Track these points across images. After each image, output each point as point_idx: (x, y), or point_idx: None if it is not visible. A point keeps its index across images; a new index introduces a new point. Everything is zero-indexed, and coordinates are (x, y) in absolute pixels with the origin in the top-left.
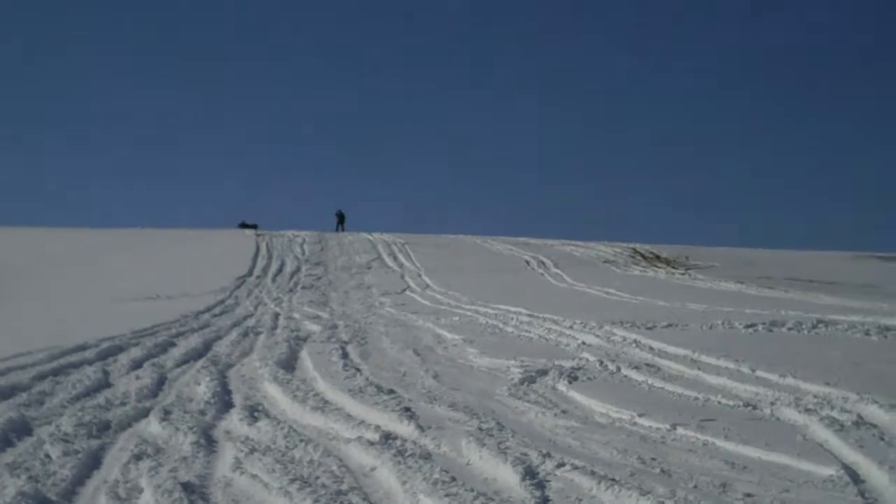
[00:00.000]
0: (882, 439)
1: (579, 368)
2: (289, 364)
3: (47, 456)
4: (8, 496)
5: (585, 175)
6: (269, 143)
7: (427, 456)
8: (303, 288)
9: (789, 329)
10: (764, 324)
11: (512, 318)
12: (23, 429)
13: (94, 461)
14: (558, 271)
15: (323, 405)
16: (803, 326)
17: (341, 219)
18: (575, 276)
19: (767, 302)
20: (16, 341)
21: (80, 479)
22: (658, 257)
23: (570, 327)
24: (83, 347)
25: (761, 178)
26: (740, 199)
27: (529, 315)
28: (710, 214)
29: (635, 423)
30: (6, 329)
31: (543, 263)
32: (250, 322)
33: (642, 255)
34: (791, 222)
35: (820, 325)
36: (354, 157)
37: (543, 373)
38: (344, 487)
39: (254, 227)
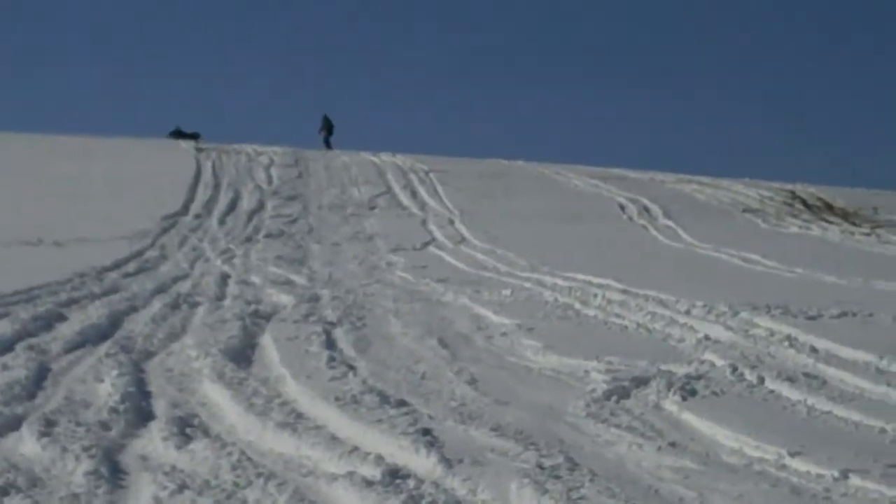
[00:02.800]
0: None
1: (699, 377)
2: (242, 355)
3: None
4: None
5: (711, 72)
6: (226, 14)
7: None
8: (267, 236)
9: None
10: None
11: (595, 296)
12: None
13: None
14: (670, 223)
15: (294, 421)
16: None
17: (329, 129)
18: (697, 231)
19: None
20: None
21: None
22: (830, 207)
23: (687, 312)
24: None
25: None
26: None
27: (623, 291)
28: None
29: (785, 467)
30: None
31: (647, 210)
32: (183, 287)
33: (805, 203)
34: None
35: None
36: (350, 35)
37: (643, 382)
38: None
39: (193, 137)
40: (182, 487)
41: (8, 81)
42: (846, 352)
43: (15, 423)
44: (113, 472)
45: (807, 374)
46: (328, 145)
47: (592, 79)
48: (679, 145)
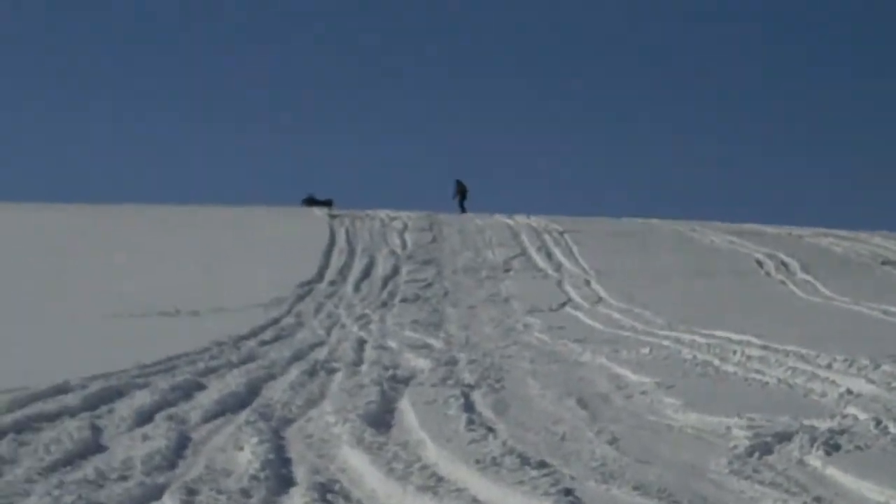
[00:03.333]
0: None
1: (843, 432)
2: (381, 420)
3: None
4: None
5: (842, 124)
6: (347, 82)
7: None
8: (403, 300)
9: None
10: None
11: (735, 352)
12: None
13: None
14: (808, 278)
15: (435, 484)
16: None
17: (462, 193)
18: (836, 285)
19: None
20: None
21: None
22: None
23: (828, 367)
24: (63, 389)
25: None
26: None
27: (763, 347)
28: None
29: None
30: None
31: (785, 265)
32: (320, 353)
33: None
34: None
35: None
36: (483, 101)
37: (785, 438)
38: None
39: (326, 204)
40: None
41: (141, 151)
42: None
43: (157, 493)
44: None
45: None
46: (463, 209)
47: (726, 135)
48: (815, 199)
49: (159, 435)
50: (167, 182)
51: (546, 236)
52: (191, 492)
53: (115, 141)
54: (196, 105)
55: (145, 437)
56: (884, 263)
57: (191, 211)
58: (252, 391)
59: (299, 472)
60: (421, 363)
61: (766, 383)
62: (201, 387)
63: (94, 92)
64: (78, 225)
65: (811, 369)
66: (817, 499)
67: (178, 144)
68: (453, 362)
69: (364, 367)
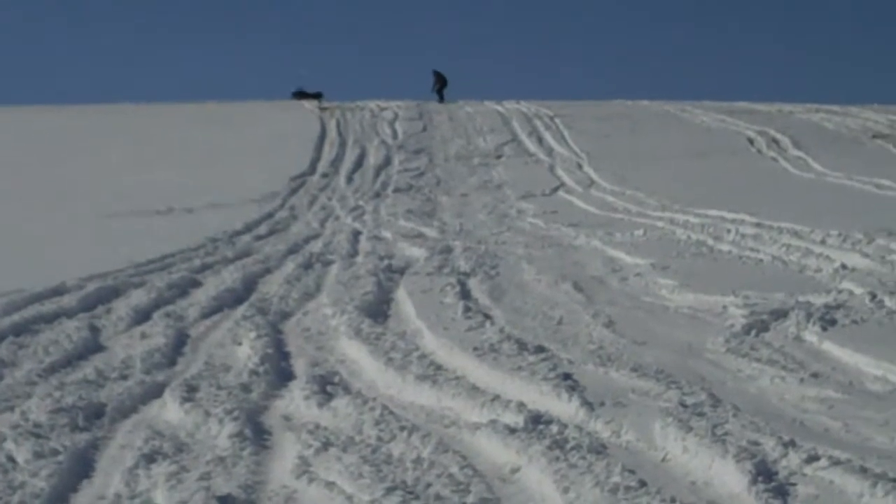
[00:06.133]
0: None
1: (838, 307)
2: (378, 310)
3: (10, 459)
4: None
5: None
6: None
7: (601, 449)
8: (396, 190)
9: None
10: None
11: (729, 231)
12: None
13: (81, 467)
14: (800, 154)
15: (434, 373)
16: None
17: (442, 83)
18: (828, 160)
19: None
20: None
21: (62, 494)
22: None
23: (822, 242)
24: (60, 290)
25: None
26: None
27: (756, 225)
28: None
29: None
30: None
31: (776, 142)
32: (315, 246)
33: None
34: None
35: None
36: None
37: (781, 314)
38: (470, 501)
39: (316, 96)
40: (326, 445)
41: (130, 51)
42: None
43: (157, 391)
44: (257, 433)
45: None
46: (441, 99)
47: (711, 14)
48: (806, 74)
49: (157, 333)
50: (158, 80)
51: (536, 121)
52: (191, 388)
53: (104, 41)
54: (182, 2)
55: (143, 336)
56: (875, 137)
57: (181, 108)
58: (248, 286)
59: (298, 366)
60: (416, 252)
61: (761, 261)
62: (197, 283)
63: None
64: (70, 126)
65: (805, 245)
66: (814, 374)
67: (167, 43)
68: (448, 250)
69: (359, 259)
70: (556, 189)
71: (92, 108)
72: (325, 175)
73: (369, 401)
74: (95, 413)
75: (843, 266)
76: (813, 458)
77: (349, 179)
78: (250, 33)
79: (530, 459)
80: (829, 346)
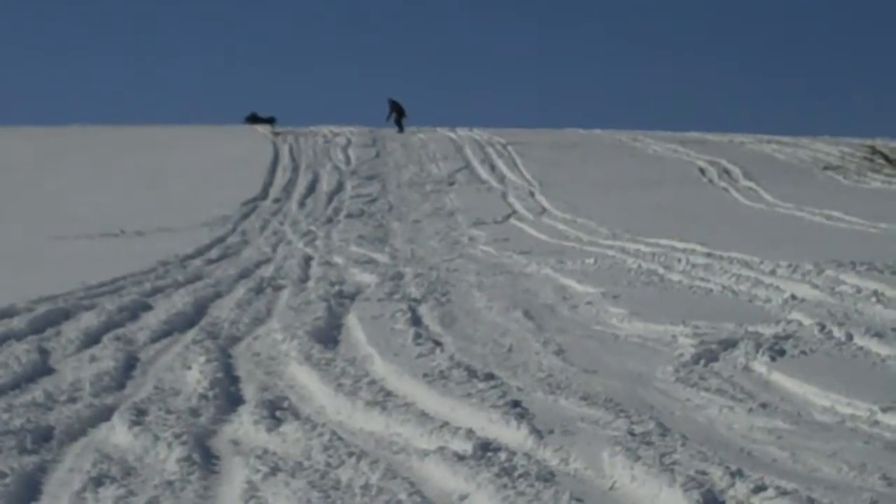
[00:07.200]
0: None
1: (787, 337)
2: (329, 335)
3: None
4: None
5: (785, 32)
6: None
7: (549, 477)
8: (348, 216)
9: None
10: None
11: (679, 261)
12: None
13: (28, 490)
14: (751, 184)
15: (384, 399)
16: None
17: (399, 112)
18: (778, 191)
19: None
20: None
21: None
22: None
23: (772, 273)
24: (9, 313)
25: None
26: None
27: (707, 255)
28: None
29: (877, 423)
30: None
31: (728, 172)
32: (266, 271)
33: (886, 158)
34: None
35: None
36: (425, 19)
37: (730, 344)
38: None
39: (269, 121)
40: (275, 470)
41: (84, 73)
42: None
43: (106, 414)
44: (205, 457)
45: (895, 329)
46: (401, 129)
47: (666, 44)
48: (757, 106)
49: (107, 356)
50: (109, 104)
51: (489, 149)
52: (140, 412)
53: (52, 62)
54: (136, 27)
55: (93, 359)
56: (826, 168)
57: (134, 132)
58: (199, 310)
59: (248, 390)
60: (367, 278)
61: (711, 291)
62: (148, 307)
63: (36, 12)
64: (19, 148)
65: (755, 276)
66: (763, 404)
67: (119, 66)
68: (399, 277)
69: (310, 284)
70: (508, 216)
71: (40, 131)
72: (277, 200)
73: (318, 426)
74: (43, 436)
75: (793, 297)
76: (760, 489)
77: (301, 204)
78: (204, 55)
79: (479, 486)
80: (777, 377)
